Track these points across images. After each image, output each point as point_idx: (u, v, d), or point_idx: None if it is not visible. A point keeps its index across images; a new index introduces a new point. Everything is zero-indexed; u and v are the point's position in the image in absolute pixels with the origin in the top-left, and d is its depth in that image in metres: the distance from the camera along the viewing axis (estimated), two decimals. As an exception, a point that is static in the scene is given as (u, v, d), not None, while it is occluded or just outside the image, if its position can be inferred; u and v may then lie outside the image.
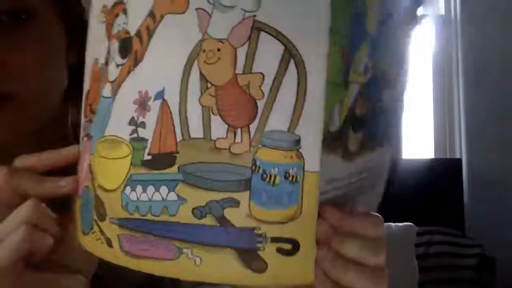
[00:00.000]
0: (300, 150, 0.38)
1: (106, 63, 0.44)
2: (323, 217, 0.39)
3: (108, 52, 0.44)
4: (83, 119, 0.47)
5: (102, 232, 0.43)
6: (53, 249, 0.47)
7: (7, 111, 0.60)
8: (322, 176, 0.38)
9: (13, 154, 0.50)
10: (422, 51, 2.66)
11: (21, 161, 0.50)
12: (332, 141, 0.39)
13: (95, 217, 0.43)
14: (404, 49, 0.46)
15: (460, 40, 2.61)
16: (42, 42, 0.62)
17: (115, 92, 0.43)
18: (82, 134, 0.47)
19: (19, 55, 0.60)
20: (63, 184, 0.48)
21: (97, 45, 0.46)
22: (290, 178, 0.38)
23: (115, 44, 0.43)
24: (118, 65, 0.43)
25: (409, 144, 2.61)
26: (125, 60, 0.42)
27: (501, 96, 2.53)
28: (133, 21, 0.42)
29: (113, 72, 0.43)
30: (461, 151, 2.62)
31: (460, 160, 2.57)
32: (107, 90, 0.44)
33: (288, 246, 0.38)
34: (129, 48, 0.42)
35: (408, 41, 0.47)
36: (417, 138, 2.67)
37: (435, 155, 2.68)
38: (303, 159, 0.38)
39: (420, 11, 0.48)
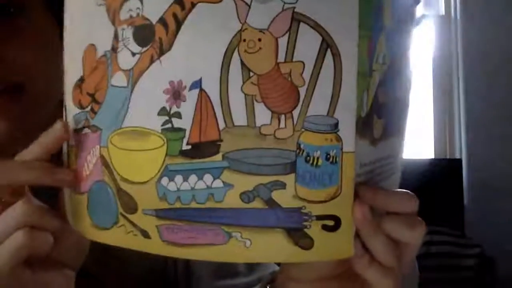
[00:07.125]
0: (338, 133, 0.40)
1: (114, 50, 0.43)
2: (359, 196, 0.41)
3: (116, 38, 0.43)
4: (75, 109, 0.46)
5: (133, 225, 0.42)
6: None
7: (19, 103, 0.60)
8: (356, 159, 0.40)
9: (14, 152, 0.48)
10: (422, 51, 2.66)
11: (24, 155, 0.47)
12: (363, 126, 0.41)
13: (121, 211, 0.43)
14: (409, 44, 0.49)
15: (460, 40, 2.62)
16: (33, 35, 0.62)
17: (133, 81, 0.42)
18: (75, 125, 0.46)
19: (15, 49, 0.59)
20: (66, 176, 0.46)
21: (90, 30, 0.45)
22: (331, 160, 0.40)
23: (128, 30, 0.42)
24: (134, 54, 0.42)
25: (409, 144, 2.61)
26: (144, 49, 0.41)
27: (501, 96, 2.53)
28: (152, 7, 0.41)
29: (127, 60, 0.42)
30: (461, 151, 2.62)
31: (460, 160, 2.58)
32: (119, 79, 0.43)
33: (331, 223, 0.40)
34: (150, 36, 0.41)
35: (411, 38, 0.49)
36: (417, 138, 2.67)
37: (435, 155, 2.69)
38: (342, 141, 0.40)
39: (420, 10, 0.50)
